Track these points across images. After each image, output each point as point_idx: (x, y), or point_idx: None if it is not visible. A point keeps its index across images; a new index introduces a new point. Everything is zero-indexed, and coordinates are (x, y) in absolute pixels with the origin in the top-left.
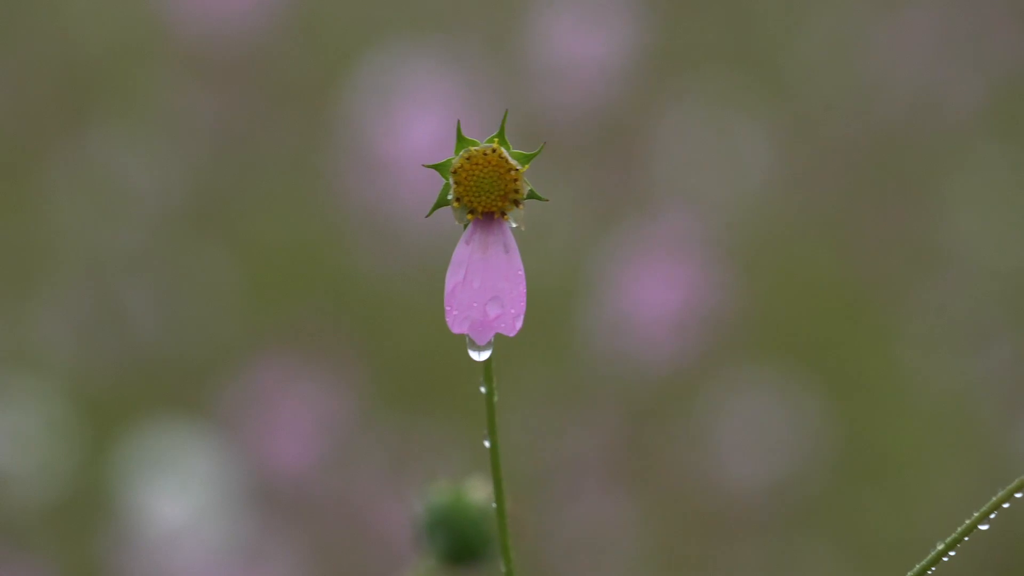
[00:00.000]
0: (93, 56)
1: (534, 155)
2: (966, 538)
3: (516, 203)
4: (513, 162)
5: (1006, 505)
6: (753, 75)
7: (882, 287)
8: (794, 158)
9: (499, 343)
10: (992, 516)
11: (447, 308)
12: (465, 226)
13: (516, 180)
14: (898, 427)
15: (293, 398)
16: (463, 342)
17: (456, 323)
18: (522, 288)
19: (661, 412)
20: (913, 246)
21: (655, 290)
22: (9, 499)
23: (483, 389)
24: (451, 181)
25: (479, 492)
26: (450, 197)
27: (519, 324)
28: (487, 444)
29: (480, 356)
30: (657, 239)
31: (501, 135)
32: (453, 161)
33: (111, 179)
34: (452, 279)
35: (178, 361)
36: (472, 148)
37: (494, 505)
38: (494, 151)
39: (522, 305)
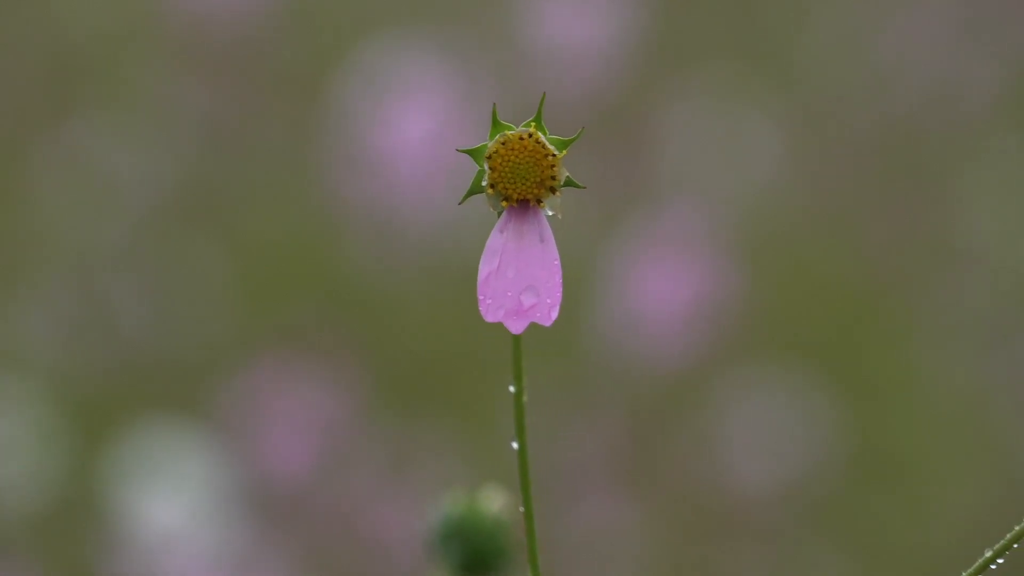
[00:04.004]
0: (80, 44)
1: (572, 140)
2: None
3: (552, 190)
4: (551, 147)
5: None
6: (762, 66)
7: (895, 283)
8: (804, 151)
9: (498, 342)
10: None
11: (480, 297)
12: (499, 214)
13: (553, 167)
14: (911, 428)
15: (288, 399)
16: (463, 342)
17: (490, 312)
18: (558, 278)
19: (668, 411)
20: (927, 241)
21: (662, 286)
22: None
23: (512, 388)
24: (485, 167)
25: (494, 502)
26: (484, 184)
27: (555, 314)
28: (515, 446)
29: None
30: (665, 234)
31: (538, 119)
32: (488, 146)
33: (98, 172)
34: (486, 267)
35: (170, 361)
36: (508, 132)
37: (521, 509)
38: (531, 136)
39: (558, 295)
